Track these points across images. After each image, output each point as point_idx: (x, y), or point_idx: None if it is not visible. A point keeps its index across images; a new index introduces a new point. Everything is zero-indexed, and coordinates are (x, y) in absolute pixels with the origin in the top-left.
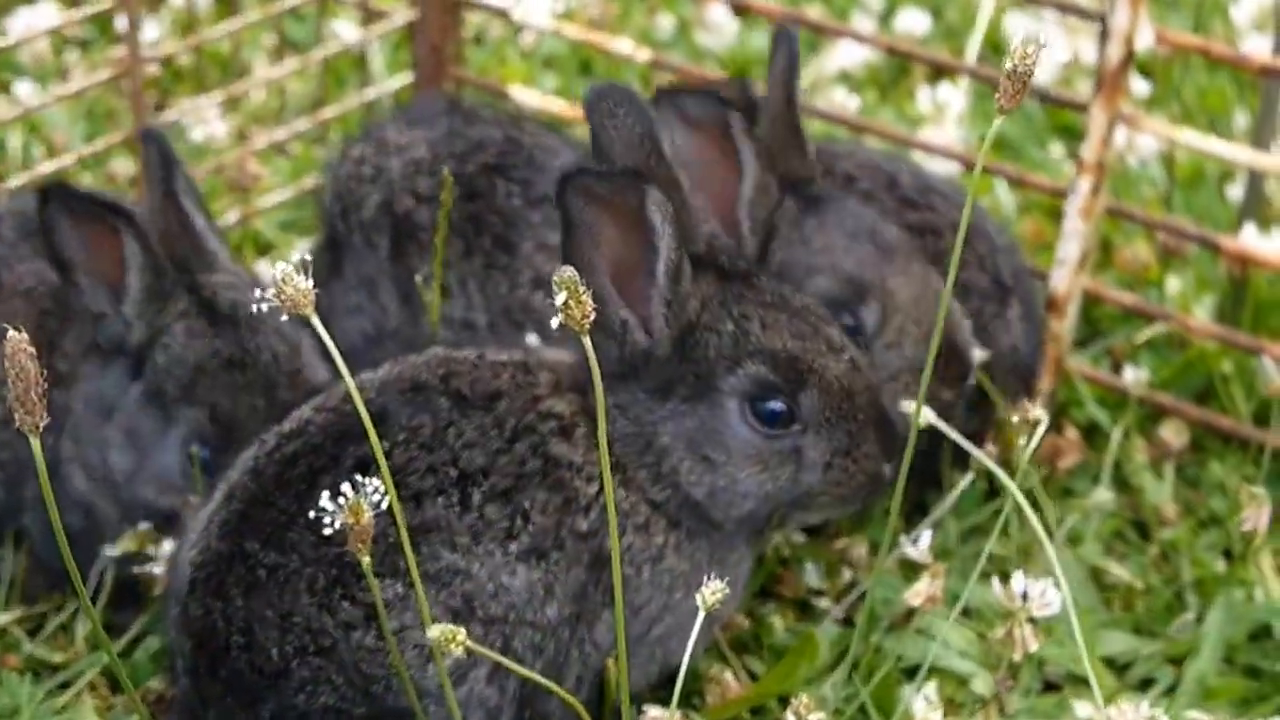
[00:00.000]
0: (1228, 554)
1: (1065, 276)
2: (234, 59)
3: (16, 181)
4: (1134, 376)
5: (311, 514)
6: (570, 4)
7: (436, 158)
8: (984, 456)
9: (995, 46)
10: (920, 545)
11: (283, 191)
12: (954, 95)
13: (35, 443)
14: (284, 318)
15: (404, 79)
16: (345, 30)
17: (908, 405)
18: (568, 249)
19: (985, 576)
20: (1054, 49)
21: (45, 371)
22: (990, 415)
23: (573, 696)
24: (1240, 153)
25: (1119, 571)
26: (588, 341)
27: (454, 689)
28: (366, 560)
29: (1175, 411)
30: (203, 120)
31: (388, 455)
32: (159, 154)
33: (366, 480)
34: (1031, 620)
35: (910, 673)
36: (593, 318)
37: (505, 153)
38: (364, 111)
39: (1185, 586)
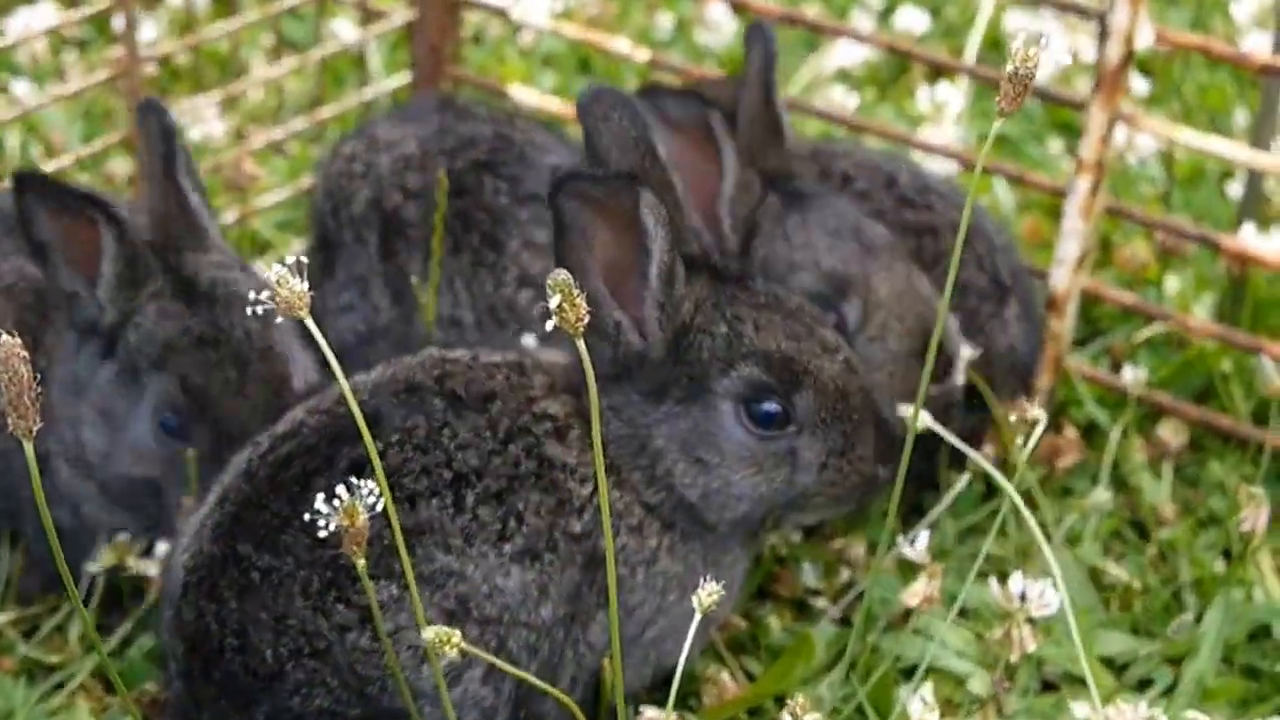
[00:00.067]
0: (1226, 554)
1: (1064, 275)
2: (232, 59)
3: None
4: (1133, 376)
5: (306, 516)
6: (569, 3)
7: (426, 154)
8: (980, 458)
9: (995, 45)
10: (918, 545)
11: (280, 191)
12: (953, 94)
13: (29, 447)
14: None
15: (402, 78)
16: (344, 30)
17: (904, 408)
18: (561, 251)
19: (983, 576)
20: (1053, 48)
21: (40, 376)
22: (988, 414)
23: (568, 697)
24: (1240, 151)
25: (1117, 571)
26: (582, 344)
27: (449, 690)
28: (362, 562)
29: (1174, 411)
30: (200, 120)
31: (382, 457)
32: (159, 125)
33: (361, 482)
34: (1029, 620)
35: (907, 673)
36: (587, 320)
37: (496, 149)
38: (362, 111)
39: (1184, 586)
